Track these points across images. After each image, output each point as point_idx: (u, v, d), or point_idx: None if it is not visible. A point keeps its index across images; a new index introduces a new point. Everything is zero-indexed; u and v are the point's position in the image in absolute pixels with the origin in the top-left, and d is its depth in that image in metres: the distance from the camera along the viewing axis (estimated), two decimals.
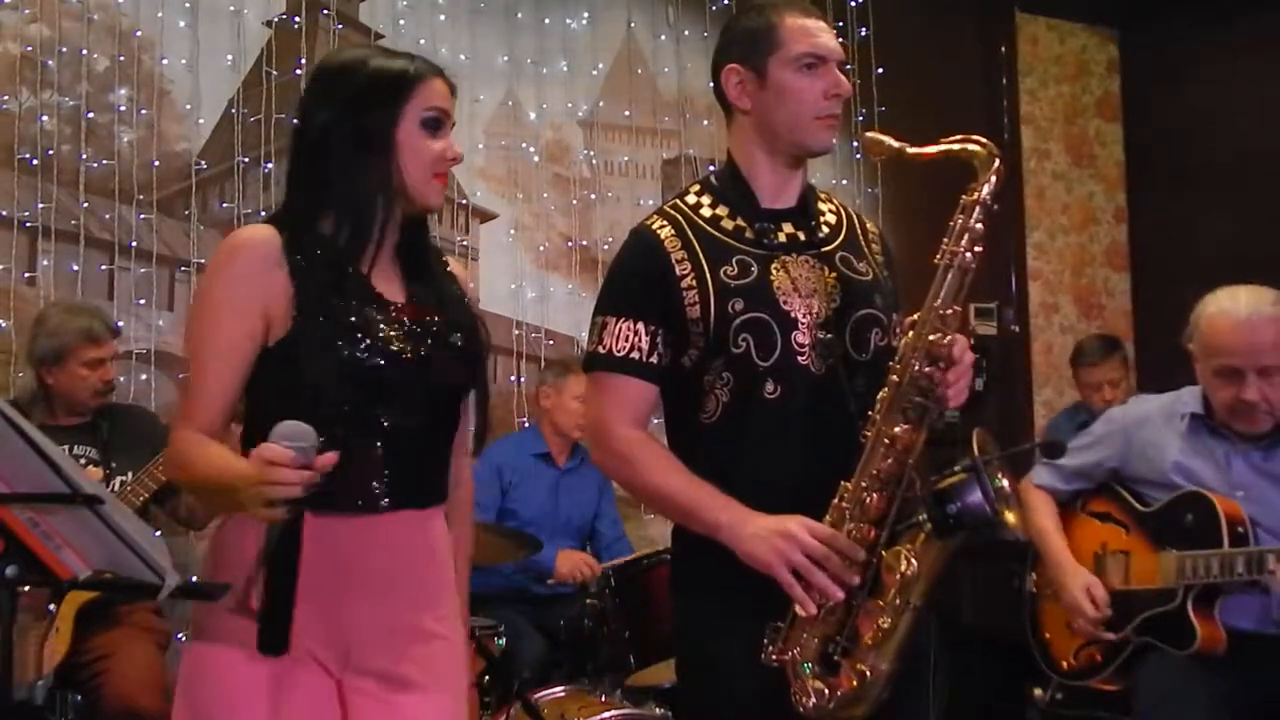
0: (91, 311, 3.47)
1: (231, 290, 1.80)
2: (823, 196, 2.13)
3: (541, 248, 5.03)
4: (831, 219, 2.10)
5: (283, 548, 1.69)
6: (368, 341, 1.80)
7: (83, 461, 3.31)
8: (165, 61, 4.38)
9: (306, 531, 1.74)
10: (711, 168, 4.71)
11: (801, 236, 2.03)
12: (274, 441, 1.60)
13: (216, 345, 1.80)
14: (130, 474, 3.32)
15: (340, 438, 1.71)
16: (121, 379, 3.70)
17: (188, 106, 4.40)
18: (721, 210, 2.03)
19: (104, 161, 4.23)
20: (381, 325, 1.82)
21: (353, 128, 1.83)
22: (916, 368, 1.86)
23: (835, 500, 1.88)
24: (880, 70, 5.38)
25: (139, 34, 4.32)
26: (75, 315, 3.39)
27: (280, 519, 1.63)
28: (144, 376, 4.18)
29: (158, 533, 2.90)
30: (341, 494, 1.78)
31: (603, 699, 3.28)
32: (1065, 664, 3.02)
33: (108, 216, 4.24)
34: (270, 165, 4.47)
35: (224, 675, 1.78)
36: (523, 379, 4.84)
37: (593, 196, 5.13)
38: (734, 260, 1.97)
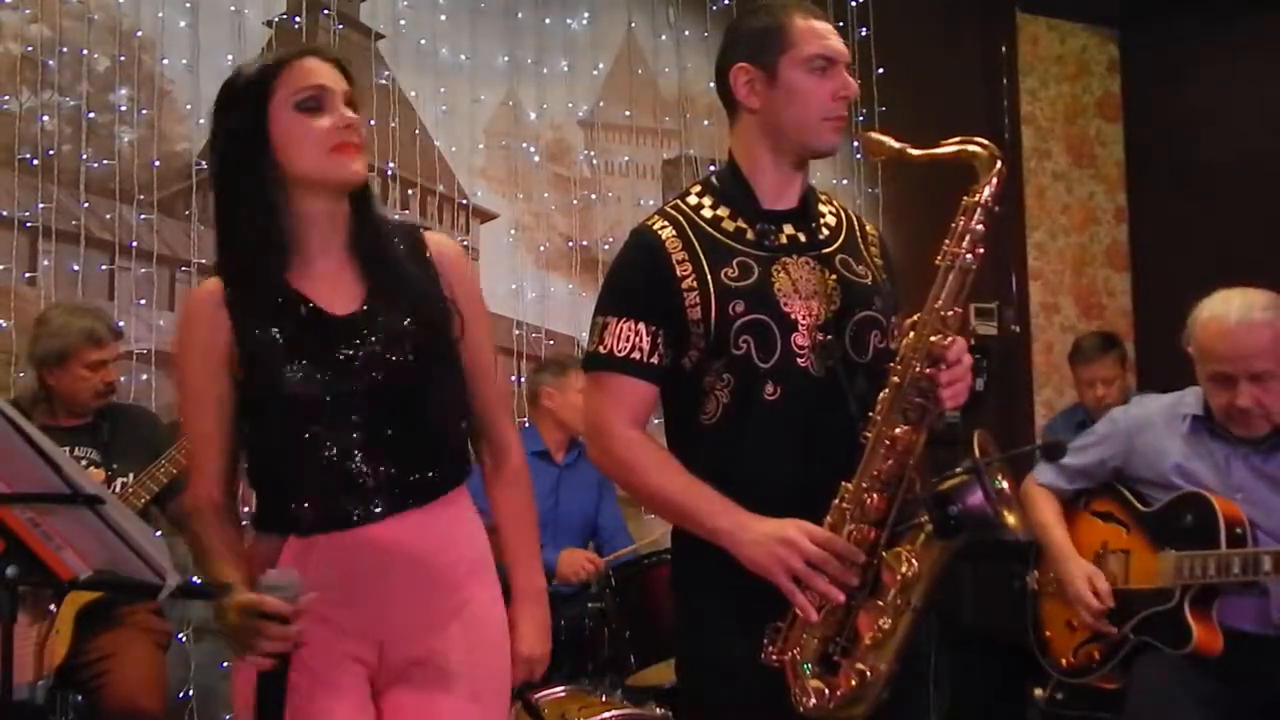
0: (94, 313, 3.47)
1: (191, 346, 1.88)
2: (823, 198, 2.13)
3: (542, 248, 5.03)
4: (831, 221, 2.09)
5: (272, 695, 1.71)
6: (303, 363, 1.82)
7: (84, 463, 3.31)
8: (166, 61, 4.38)
9: (319, 549, 1.82)
10: (712, 167, 4.71)
11: (802, 238, 2.03)
12: (264, 593, 1.68)
13: (193, 397, 1.89)
14: (131, 475, 3.32)
15: (323, 456, 1.81)
16: (122, 379, 3.69)
17: (188, 106, 4.40)
18: (722, 211, 2.03)
19: (104, 161, 4.23)
20: (316, 342, 1.84)
21: (225, 139, 1.84)
22: (917, 369, 1.86)
23: (836, 501, 1.88)
24: (880, 70, 5.38)
25: (139, 34, 4.32)
26: (78, 316, 3.39)
27: (268, 667, 1.69)
28: (144, 376, 4.18)
29: (158, 533, 2.90)
30: (338, 512, 1.84)
31: (603, 699, 3.28)
32: (1065, 662, 3.03)
33: (108, 216, 4.24)
34: None
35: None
36: (523, 379, 4.84)
37: (593, 196, 5.13)
38: (735, 262, 1.97)
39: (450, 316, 1.93)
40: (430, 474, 1.91)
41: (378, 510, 1.85)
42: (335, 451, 1.83)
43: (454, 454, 1.97)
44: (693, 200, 2.06)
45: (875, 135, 2.00)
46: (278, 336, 1.83)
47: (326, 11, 4.63)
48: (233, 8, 4.48)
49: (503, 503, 2.05)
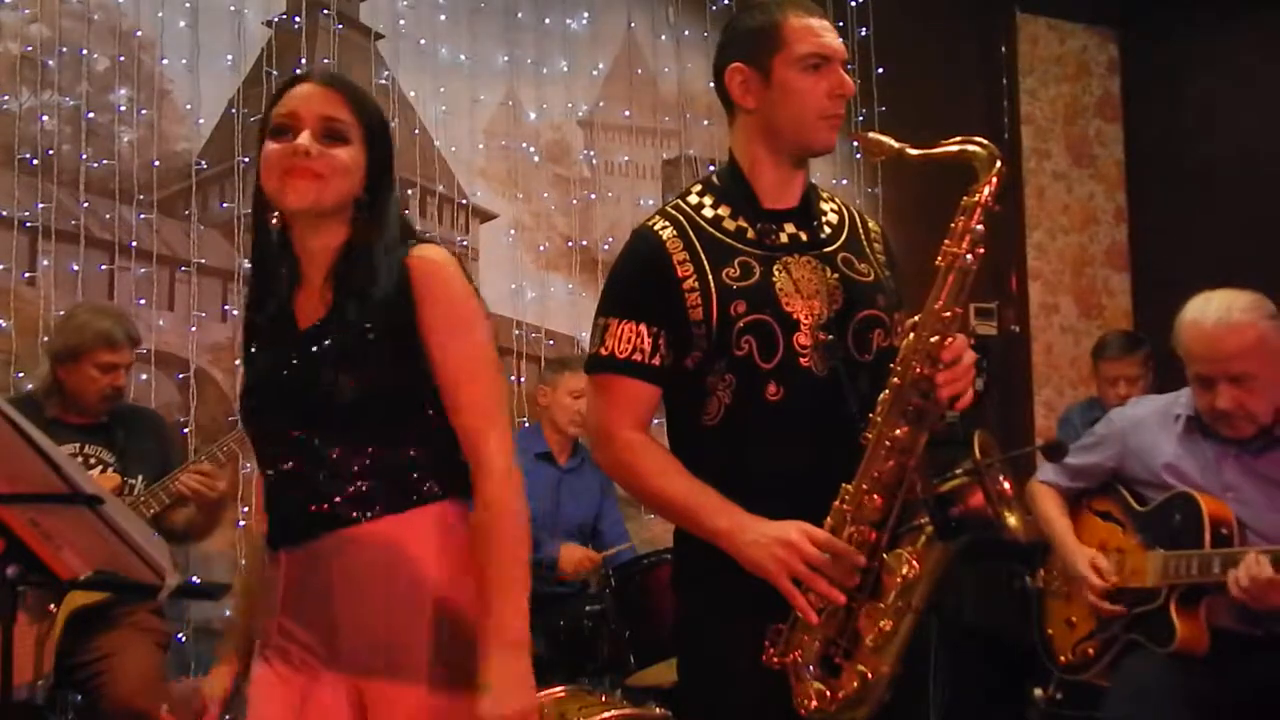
0: (117, 317, 3.48)
1: None
2: (824, 196, 2.12)
3: (541, 248, 5.04)
4: (833, 219, 2.09)
5: None
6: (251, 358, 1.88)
7: (94, 461, 3.33)
8: (165, 61, 4.38)
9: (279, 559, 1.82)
10: (711, 168, 4.71)
11: (803, 237, 2.02)
12: None
13: None
14: (140, 478, 3.32)
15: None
16: None
17: (188, 106, 4.41)
18: (723, 210, 2.03)
19: (104, 161, 4.23)
20: (273, 344, 1.84)
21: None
22: (917, 370, 1.86)
23: (836, 502, 1.88)
24: (880, 70, 5.38)
25: (139, 34, 4.33)
26: (99, 317, 3.41)
27: None
28: (144, 376, 4.18)
29: (158, 534, 2.89)
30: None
31: (603, 699, 3.28)
32: (1063, 659, 3.04)
33: (108, 216, 4.24)
34: None
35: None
36: (523, 379, 4.84)
37: (593, 196, 5.13)
38: (736, 262, 1.97)
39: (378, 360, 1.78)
40: (359, 494, 1.78)
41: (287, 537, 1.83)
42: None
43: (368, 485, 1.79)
44: (693, 200, 2.05)
45: (874, 135, 2.00)
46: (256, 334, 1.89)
47: (326, 11, 4.63)
48: (233, 8, 4.48)
49: (476, 529, 1.78)
